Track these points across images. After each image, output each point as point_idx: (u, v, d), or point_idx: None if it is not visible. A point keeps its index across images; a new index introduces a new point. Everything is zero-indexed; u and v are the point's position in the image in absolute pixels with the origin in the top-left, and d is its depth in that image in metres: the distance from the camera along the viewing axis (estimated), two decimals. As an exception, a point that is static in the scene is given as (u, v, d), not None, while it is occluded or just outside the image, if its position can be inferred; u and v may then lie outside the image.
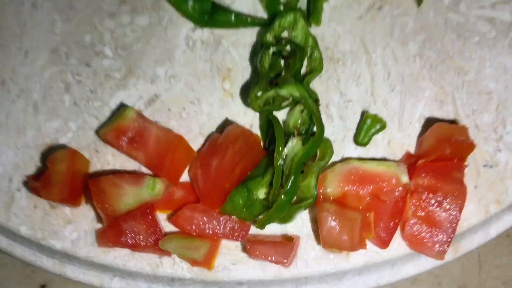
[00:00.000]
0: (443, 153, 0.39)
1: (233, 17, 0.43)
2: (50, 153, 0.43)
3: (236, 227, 0.38)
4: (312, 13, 0.43)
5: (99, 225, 0.41)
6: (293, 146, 0.38)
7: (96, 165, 0.42)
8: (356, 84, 0.43)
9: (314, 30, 0.43)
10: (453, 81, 0.44)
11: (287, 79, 0.40)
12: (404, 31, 0.44)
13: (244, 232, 0.39)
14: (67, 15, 0.44)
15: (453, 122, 0.43)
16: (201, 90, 0.43)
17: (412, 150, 0.43)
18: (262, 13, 0.44)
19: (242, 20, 0.43)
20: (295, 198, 0.39)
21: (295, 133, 0.39)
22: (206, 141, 0.43)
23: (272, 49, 0.41)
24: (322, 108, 0.43)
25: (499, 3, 0.44)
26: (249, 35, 0.44)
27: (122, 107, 0.43)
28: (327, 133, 0.42)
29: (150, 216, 0.37)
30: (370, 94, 0.43)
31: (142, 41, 0.44)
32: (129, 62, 0.43)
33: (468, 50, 0.44)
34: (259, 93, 0.39)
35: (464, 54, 0.44)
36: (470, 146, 0.38)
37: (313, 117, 0.39)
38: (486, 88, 0.43)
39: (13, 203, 0.41)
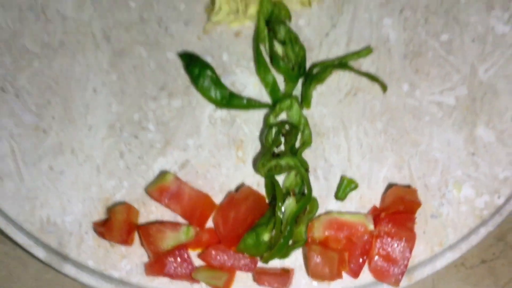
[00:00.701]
0: (398, 208, 0.52)
1: (245, 101, 0.56)
2: (110, 205, 0.54)
3: (247, 262, 0.52)
4: (304, 99, 0.56)
5: (146, 260, 0.54)
6: (289, 203, 0.52)
7: (143, 215, 0.54)
8: (336, 153, 0.56)
9: (305, 111, 0.56)
10: (409, 151, 0.56)
11: (285, 151, 0.54)
12: (373, 112, 0.56)
13: (253, 265, 0.52)
14: (120, 98, 0.56)
15: (407, 186, 0.55)
16: (220, 157, 0.56)
17: (377, 204, 0.55)
18: (267, 98, 0.57)
19: (251, 104, 0.56)
20: (290, 241, 0.53)
21: (291, 193, 0.52)
22: (225, 197, 0.55)
23: (274, 128, 0.55)
24: (311, 171, 0.55)
25: (446, 90, 0.57)
26: (257, 114, 0.57)
27: (163, 172, 0.55)
28: (314, 190, 0.54)
29: (185, 254, 0.51)
30: (347, 160, 0.56)
31: (176, 119, 0.56)
32: (166, 135, 0.56)
33: (421, 127, 0.56)
34: (264, 163, 0.53)
35: (418, 130, 0.56)
36: (417, 204, 0.53)
37: (304, 181, 0.52)
38: (433, 157, 0.56)
39: (82, 243, 0.54)
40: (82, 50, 0.57)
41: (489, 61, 0.58)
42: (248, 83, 0.57)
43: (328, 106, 0.56)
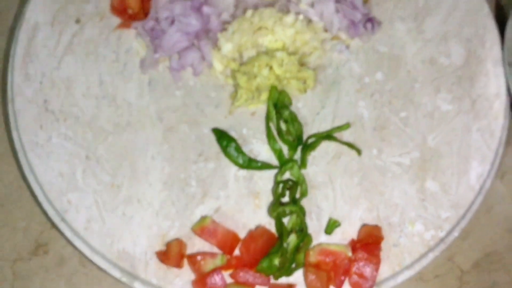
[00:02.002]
0: (369, 241, 0.66)
1: (259, 164, 0.70)
2: (166, 240, 0.67)
3: (264, 279, 0.65)
4: (302, 162, 0.70)
5: (193, 278, 0.66)
6: (292, 238, 0.66)
7: (190, 247, 0.67)
8: (325, 201, 0.69)
9: (303, 171, 0.70)
10: (377, 199, 0.69)
11: (289, 201, 0.73)
12: (352, 170, 0.70)
13: (268, 281, 0.65)
14: (171, 162, 0.70)
15: (375, 224, 0.68)
16: (243, 204, 0.69)
17: (354, 237, 0.68)
18: (275, 161, 0.71)
19: (264, 166, 0.70)
20: (293, 264, 0.67)
21: (293, 231, 0.70)
22: (247, 234, 0.68)
23: (281, 185, 0.74)
24: (307, 215, 0.67)
25: (404, 154, 0.71)
26: (269, 173, 0.70)
27: (202, 216, 0.69)
28: (310, 228, 0.67)
29: (220, 274, 0.64)
30: (333, 206, 0.69)
31: (211, 177, 0.70)
32: (204, 189, 0.69)
33: (385, 181, 0.70)
34: (274, 209, 0.73)
35: (383, 183, 0.69)
36: (381, 238, 0.66)
37: (302, 222, 0.71)
38: (394, 203, 0.69)
39: (148, 266, 0.67)
40: (142, 128, 0.72)
41: (436, 132, 0.72)
42: (261, 150, 0.72)
43: (319, 166, 0.71)
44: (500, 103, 0.74)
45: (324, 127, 0.73)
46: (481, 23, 0.78)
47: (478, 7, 0.78)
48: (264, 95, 0.73)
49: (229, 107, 0.73)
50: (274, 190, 0.70)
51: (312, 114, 0.73)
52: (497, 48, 0.77)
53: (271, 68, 0.73)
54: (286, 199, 0.70)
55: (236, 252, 0.68)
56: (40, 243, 0.72)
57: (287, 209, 0.68)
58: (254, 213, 0.69)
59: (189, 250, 0.68)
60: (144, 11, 0.77)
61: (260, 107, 0.73)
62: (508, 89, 0.75)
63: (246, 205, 0.70)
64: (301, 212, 0.69)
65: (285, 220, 0.69)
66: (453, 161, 0.72)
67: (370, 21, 0.78)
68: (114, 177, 0.70)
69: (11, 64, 0.73)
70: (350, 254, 0.67)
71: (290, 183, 0.70)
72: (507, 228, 0.77)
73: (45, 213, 0.70)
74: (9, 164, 0.74)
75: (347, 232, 0.69)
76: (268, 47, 0.76)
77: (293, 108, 0.74)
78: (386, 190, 0.70)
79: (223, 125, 0.73)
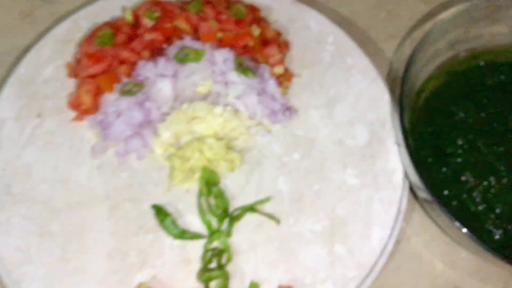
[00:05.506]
0: None
1: (192, 235, 0.79)
2: None
3: None
4: (228, 231, 0.79)
5: None
6: None
7: None
8: (248, 265, 0.78)
9: (229, 239, 0.78)
10: (292, 261, 0.78)
11: (216, 266, 0.84)
12: (271, 237, 0.79)
13: None
14: (114, 236, 0.88)
15: (290, 285, 0.77)
16: (177, 271, 0.77)
17: None
18: (206, 231, 0.81)
19: (196, 236, 0.79)
20: None
21: None
22: None
23: (209, 252, 0.86)
24: (232, 278, 0.76)
25: (316, 222, 0.81)
26: (200, 242, 0.79)
27: (141, 283, 0.86)
28: None
29: None
30: (255, 270, 0.78)
31: (149, 247, 0.81)
32: (143, 259, 0.80)
33: (300, 246, 0.79)
34: (202, 274, 0.83)
35: (298, 248, 0.79)
36: None
37: (226, 286, 0.82)
38: (307, 265, 0.78)
39: None
40: (91, 206, 0.80)
41: (343, 202, 0.82)
42: (194, 222, 0.80)
43: (243, 234, 0.78)
44: (398, 177, 0.87)
45: (248, 200, 0.82)
46: (382, 109, 0.93)
47: (380, 95, 0.92)
48: (197, 175, 0.83)
49: (167, 185, 0.83)
50: (203, 258, 0.79)
51: (238, 189, 0.83)
52: (397, 130, 0.92)
53: (202, 152, 0.85)
54: (214, 264, 0.79)
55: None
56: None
57: (214, 274, 0.77)
58: (186, 279, 0.77)
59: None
60: (95, 106, 0.91)
61: (194, 185, 0.83)
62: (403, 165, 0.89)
63: (179, 271, 0.77)
64: (226, 276, 0.77)
65: (213, 284, 0.77)
66: (358, 227, 0.81)
67: (288, 109, 0.93)
68: (64, 251, 0.78)
69: (-23, 154, 0.80)
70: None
71: (216, 250, 0.80)
72: (412, 285, 0.88)
73: (2, 283, 0.78)
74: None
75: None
76: (202, 133, 0.90)
77: (222, 184, 0.84)
78: (301, 254, 0.78)
79: (161, 201, 0.82)
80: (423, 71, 0.91)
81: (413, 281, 0.84)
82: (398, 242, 0.84)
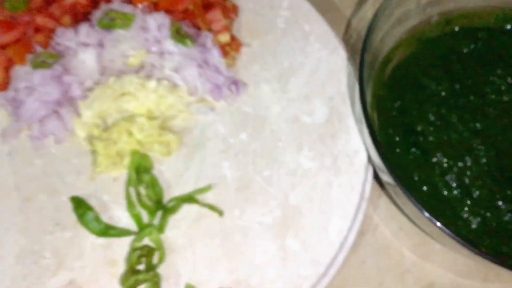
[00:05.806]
0: None
1: (117, 231, 0.70)
2: None
3: None
4: (160, 226, 0.71)
5: None
6: None
7: None
8: (185, 265, 0.68)
9: (163, 235, 0.69)
10: (237, 260, 0.69)
11: (145, 269, 0.72)
12: (213, 232, 0.70)
13: None
14: (25, 234, 0.71)
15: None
16: (98, 274, 0.68)
17: None
18: (134, 226, 0.72)
19: (122, 233, 0.70)
20: None
21: None
22: None
23: (136, 252, 0.72)
24: (165, 280, 0.67)
25: (266, 213, 0.72)
26: (128, 239, 0.70)
27: None
28: None
29: None
30: (192, 271, 0.68)
31: (66, 247, 0.70)
32: (59, 261, 0.69)
33: (246, 242, 0.70)
34: (126, 278, 0.70)
35: (245, 243, 0.70)
36: None
37: None
38: (255, 263, 0.69)
39: None
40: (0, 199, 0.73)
41: (297, 189, 0.73)
42: (122, 217, 0.71)
43: (180, 229, 0.70)
44: (360, 159, 0.76)
45: (187, 189, 0.73)
46: (343, 81, 0.81)
47: (341, 66, 0.81)
48: (126, 160, 0.74)
49: (91, 174, 0.74)
50: (129, 258, 0.68)
51: (175, 177, 0.74)
52: (358, 105, 0.80)
53: (131, 133, 0.73)
54: (143, 266, 0.69)
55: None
56: None
57: (140, 278, 0.67)
58: (110, 283, 0.68)
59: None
60: (7, 82, 0.77)
61: (122, 173, 0.74)
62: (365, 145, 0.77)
63: (101, 275, 0.68)
64: (157, 280, 0.68)
65: (142, 288, 0.69)
66: (313, 218, 0.73)
67: (235, 83, 0.81)
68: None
69: None
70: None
71: (146, 249, 0.68)
72: (379, 282, 0.76)
73: None
74: None
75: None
76: (133, 112, 0.77)
77: (156, 171, 0.74)
78: (247, 251, 0.70)
79: (83, 193, 0.72)
80: (390, 38, 0.79)
81: (380, 277, 0.75)
82: (362, 233, 0.75)
